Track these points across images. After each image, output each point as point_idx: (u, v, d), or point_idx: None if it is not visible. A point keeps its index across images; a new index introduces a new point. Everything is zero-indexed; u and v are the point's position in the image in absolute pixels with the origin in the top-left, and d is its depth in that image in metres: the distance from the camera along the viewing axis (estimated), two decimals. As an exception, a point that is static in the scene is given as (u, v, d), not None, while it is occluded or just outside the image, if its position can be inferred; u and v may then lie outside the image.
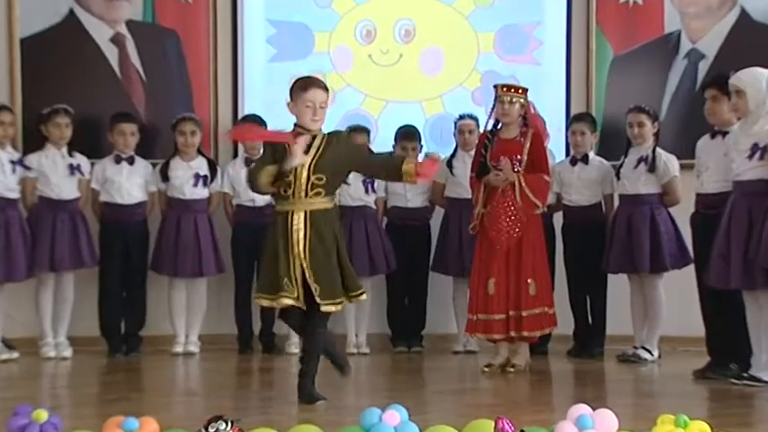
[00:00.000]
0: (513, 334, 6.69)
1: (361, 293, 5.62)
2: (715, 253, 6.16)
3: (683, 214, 7.04)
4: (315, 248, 5.44)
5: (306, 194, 5.44)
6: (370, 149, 5.61)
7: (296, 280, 5.40)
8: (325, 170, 5.47)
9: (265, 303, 5.53)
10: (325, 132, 5.60)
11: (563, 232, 7.66)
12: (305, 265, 5.42)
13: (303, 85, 5.49)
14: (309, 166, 5.44)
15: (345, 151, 5.57)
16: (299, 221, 5.43)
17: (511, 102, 6.75)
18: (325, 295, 5.44)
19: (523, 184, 6.65)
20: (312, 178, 5.45)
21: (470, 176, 6.95)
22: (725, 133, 6.44)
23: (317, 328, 5.56)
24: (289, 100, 5.55)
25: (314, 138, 5.50)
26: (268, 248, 5.50)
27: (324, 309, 5.46)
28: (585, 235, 7.49)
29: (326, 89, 5.54)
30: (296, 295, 5.40)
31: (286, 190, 5.44)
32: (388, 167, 5.60)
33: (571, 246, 7.59)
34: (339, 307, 5.56)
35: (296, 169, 5.41)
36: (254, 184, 5.51)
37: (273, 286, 5.41)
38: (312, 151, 5.47)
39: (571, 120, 7.77)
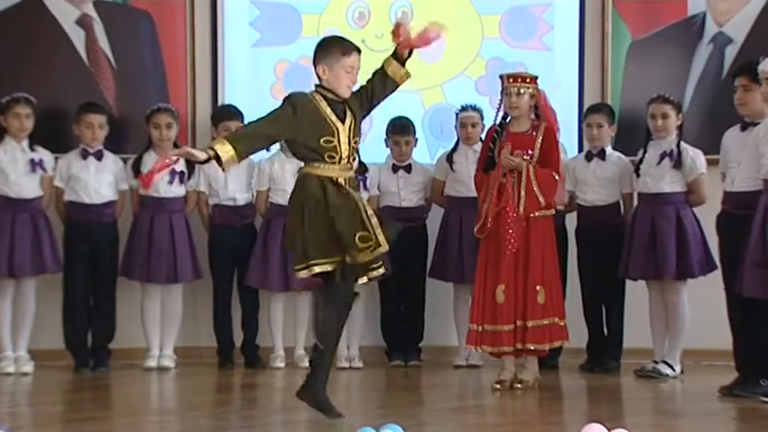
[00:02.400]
0: (519, 346, 6.65)
1: None
2: (749, 260, 6.12)
3: (706, 215, 7.01)
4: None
5: (348, 160, 5.56)
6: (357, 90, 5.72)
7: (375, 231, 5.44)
8: (358, 134, 5.62)
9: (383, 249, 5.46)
10: None
11: (577, 235, 7.63)
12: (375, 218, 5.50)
13: (343, 50, 5.57)
14: (349, 130, 5.55)
15: (356, 106, 5.63)
16: (343, 186, 5.52)
17: (519, 93, 6.71)
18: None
19: (532, 176, 6.61)
20: (352, 142, 5.57)
21: (476, 174, 6.91)
22: (757, 125, 6.41)
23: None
24: (317, 63, 5.56)
25: (343, 104, 5.57)
26: (341, 207, 5.47)
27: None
28: (602, 238, 7.45)
29: (360, 51, 5.65)
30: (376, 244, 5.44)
31: (332, 156, 5.51)
32: (380, 81, 5.66)
33: (586, 250, 7.56)
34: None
35: (338, 135, 5.50)
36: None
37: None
38: (348, 114, 5.56)
39: (586, 111, 7.75)
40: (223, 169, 5.50)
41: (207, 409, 6.37)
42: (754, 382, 6.31)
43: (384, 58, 5.69)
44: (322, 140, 5.47)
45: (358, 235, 5.36)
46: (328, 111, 5.51)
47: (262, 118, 5.56)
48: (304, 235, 5.46)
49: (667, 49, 8.11)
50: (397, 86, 5.75)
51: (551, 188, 6.68)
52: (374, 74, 5.67)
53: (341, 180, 5.51)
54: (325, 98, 5.53)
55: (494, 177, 6.68)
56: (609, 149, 7.60)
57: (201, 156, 5.42)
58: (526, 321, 6.63)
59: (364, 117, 5.76)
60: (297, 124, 5.48)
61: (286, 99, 5.54)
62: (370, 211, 5.47)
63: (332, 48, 5.57)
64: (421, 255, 7.85)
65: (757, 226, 6.11)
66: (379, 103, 5.75)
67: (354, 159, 5.59)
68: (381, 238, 5.40)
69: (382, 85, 5.68)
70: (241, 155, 5.42)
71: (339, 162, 5.51)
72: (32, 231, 7.40)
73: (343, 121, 5.52)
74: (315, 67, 5.58)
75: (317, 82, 5.60)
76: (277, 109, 5.53)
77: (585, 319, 7.56)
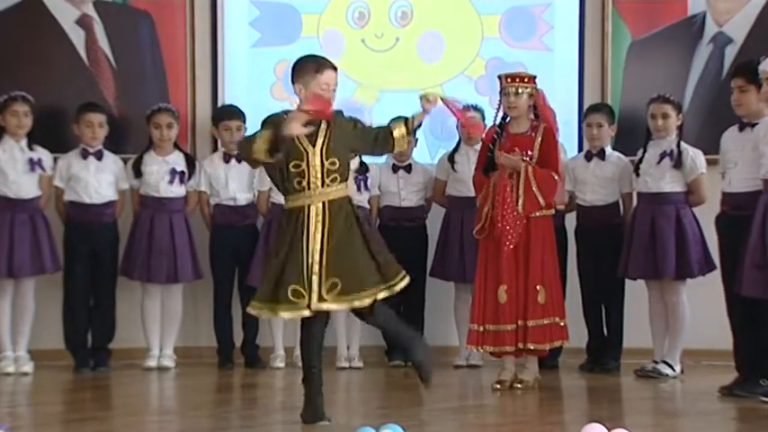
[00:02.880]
0: (520, 346, 6.65)
1: (401, 279, 5.52)
2: (748, 261, 6.12)
3: (706, 215, 7.01)
4: (339, 241, 5.37)
5: (322, 183, 5.41)
6: (361, 123, 5.64)
7: (309, 285, 5.33)
8: (337, 153, 5.45)
9: (266, 315, 5.47)
10: None
11: (576, 234, 7.63)
12: (324, 262, 5.34)
13: (317, 67, 5.47)
14: (321, 152, 5.42)
15: (347, 130, 5.51)
16: (317, 214, 5.39)
17: (517, 93, 6.70)
18: (351, 288, 5.35)
19: (530, 176, 6.60)
20: (326, 164, 5.42)
21: (474, 174, 6.90)
22: (755, 125, 6.41)
23: (380, 317, 5.51)
24: (294, 82, 5.50)
25: (319, 123, 5.45)
26: (279, 251, 5.43)
27: (358, 303, 5.37)
28: (601, 237, 7.45)
29: (337, 69, 5.54)
30: (307, 303, 5.34)
31: (300, 182, 5.41)
32: (378, 138, 5.55)
33: (585, 249, 7.55)
34: (383, 294, 5.45)
35: (308, 158, 5.39)
36: (244, 149, 5.47)
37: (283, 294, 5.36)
38: (321, 135, 5.43)
39: (586, 111, 7.74)
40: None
41: (207, 408, 6.37)
42: (754, 382, 6.30)
43: (395, 118, 5.56)
44: (291, 165, 5.36)
45: (290, 288, 5.32)
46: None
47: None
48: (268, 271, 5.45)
49: (667, 49, 8.11)
50: (390, 150, 5.67)
51: (551, 188, 6.67)
52: (380, 129, 5.55)
53: (316, 208, 5.36)
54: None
55: (496, 179, 6.66)
56: (608, 149, 7.59)
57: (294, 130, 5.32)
58: (527, 321, 6.62)
59: (355, 154, 5.64)
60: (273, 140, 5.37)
61: (263, 122, 5.45)
62: (314, 259, 5.32)
63: (307, 66, 5.48)
64: (421, 255, 7.84)
65: (757, 226, 6.11)
66: (364, 153, 5.72)
67: (335, 181, 5.40)
68: (315, 297, 5.30)
69: (376, 143, 5.55)
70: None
71: (309, 188, 5.38)
72: (31, 231, 7.39)
73: (314, 144, 5.40)
74: (293, 87, 5.51)
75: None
76: (256, 133, 5.43)
77: (585, 318, 7.55)
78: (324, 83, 5.44)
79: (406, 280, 5.53)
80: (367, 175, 7.75)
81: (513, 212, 6.56)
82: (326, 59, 5.55)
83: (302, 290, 5.32)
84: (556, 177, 6.69)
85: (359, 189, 7.62)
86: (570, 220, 7.63)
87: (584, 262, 7.56)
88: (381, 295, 5.43)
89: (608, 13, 8.11)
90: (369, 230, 5.56)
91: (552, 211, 6.76)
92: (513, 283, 6.63)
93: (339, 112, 5.51)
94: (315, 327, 5.49)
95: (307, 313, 5.35)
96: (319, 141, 5.42)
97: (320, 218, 5.39)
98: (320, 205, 5.40)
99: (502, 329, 6.64)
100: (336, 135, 5.45)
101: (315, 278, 5.33)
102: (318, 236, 5.37)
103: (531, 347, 6.65)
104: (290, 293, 5.32)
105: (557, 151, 6.79)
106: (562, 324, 6.72)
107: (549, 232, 6.74)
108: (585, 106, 7.93)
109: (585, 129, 7.65)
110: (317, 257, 5.35)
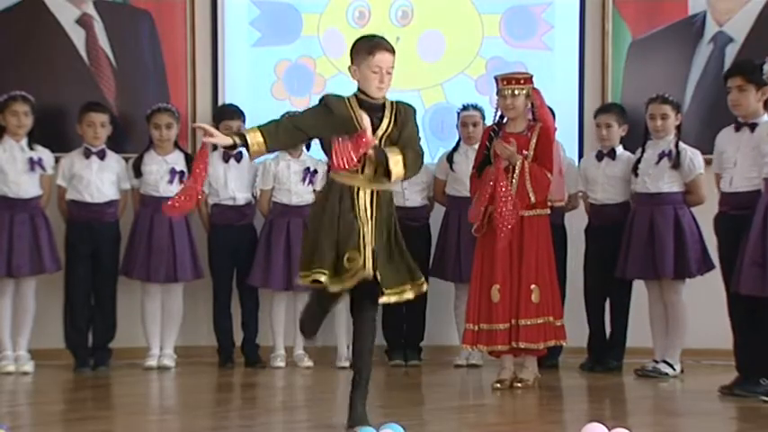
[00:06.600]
0: (514, 345, 6.64)
1: (423, 283, 5.50)
2: (748, 260, 6.13)
3: (703, 215, 7.03)
4: (380, 230, 5.34)
5: (375, 172, 5.35)
6: (415, 125, 5.49)
7: (365, 255, 5.26)
8: (395, 143, 5.38)
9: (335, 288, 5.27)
10: (392, 101, 5.45)
11: (587, 233, 7.63)
12: (371, 247, 5.28)
13: (369, 49, 5.36)
14: (380, 141, 5.33)
15: (405, 127, 5.41)
16: (365, 200, 5.34)
17: (513, 94, 6.70)
18: (387, 283, 5.33)
19: (526, 171, 6.59)
20: None
21: (472, 173, 6.90)
22: (752, 125, 6.42)
23: (368, 321, 5.43)
24: (351, 64, 5.41)
25: (382, 109, 5.39)
26: (329, 220, 5.33)
27: (384, 300, 5.33)
28: (611, 236, 7.41)
29: (394, 51, 5.43)
30: (362, 265, 5.25)
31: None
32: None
33: (595, 248, 7.55)
34: (404, 297, 5.42)
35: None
36: None
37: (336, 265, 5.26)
38: (383, 125, 5.36)
39: (596, 111, 7.73)
40: (250, 157, 5.41)
41: (207, 408, 6.37)
42: (754, 382, 6.31)
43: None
44: None
45: (347, 255, 5.20)
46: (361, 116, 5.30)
47: (296, 113, 5.53)
48: (315, 240, 5.30)
49: (667, 48, 8.11)
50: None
51: (542, 186, 6.66)
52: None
53: (364, 193, 5.31)
54: (362, 103, 5.33)
55: (490, 173, 6.65)
56: (620, 149, 7.57)
57: (227, 141, 5.30)
58: (519, 320, 6.61)
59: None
60: (328, 125, 5.29)
61: (321, 99, 5.39)
62: (369, 239, 5.25)
63: (360, 47, 5.39)
64: (423, 254, 7.81)
65: (757, 224, 6.12)
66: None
67: (383, 174, 5.31)
68: (368, 263, 5.21)
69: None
70: (270, 146, 5.29)
71: (363, 172, 5.31)
72: (31, 231, 7.38)
73: (375, 129, 5.29)
74: (349, 69, 5.41)
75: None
76: (312, 107, 5.43)
77: (587, 317, 7.55)
78: (376, 65, 5.30)
79: (425, 286, 5.50)
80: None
81: (513, 201, 6.53)
82: (383, 42, 5.42)
83: (357, 253, 5.22)
84: (549, 176, 6.68)
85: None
86: (574, 220, 7.63)
87: (592, 260, 7.55)
88: (408, 295, 5.39)
89: (608, 13, 8.12)
90: (398, 229, 5.50)
91: (547, 211, 6.76)
92: (507, 282, 6.63)
93: (410, 106, 5.45)
94: (328, 301, 5.40)
95: (366, 275, 5.22)
96: (382, 127, 5.33)
97: (368, 204, 5.32)
98: (369, 192, 5.33)
99: (495, 329, 6.64)
100: (398, 127, 5.37)
101: (368, 248, 5.25)
102: (369, 223, 5.30)
103: (522, 346, 6.64)
104: (345, 261, 5.22)
105: (551, 151, 6.78)
106: (558, 324, 6.70)
107: (544, 232, 6.73)
108: (586, 106, 7.95)
109: (595, 129, 7.64)
110: (369, 239, 5.28)
